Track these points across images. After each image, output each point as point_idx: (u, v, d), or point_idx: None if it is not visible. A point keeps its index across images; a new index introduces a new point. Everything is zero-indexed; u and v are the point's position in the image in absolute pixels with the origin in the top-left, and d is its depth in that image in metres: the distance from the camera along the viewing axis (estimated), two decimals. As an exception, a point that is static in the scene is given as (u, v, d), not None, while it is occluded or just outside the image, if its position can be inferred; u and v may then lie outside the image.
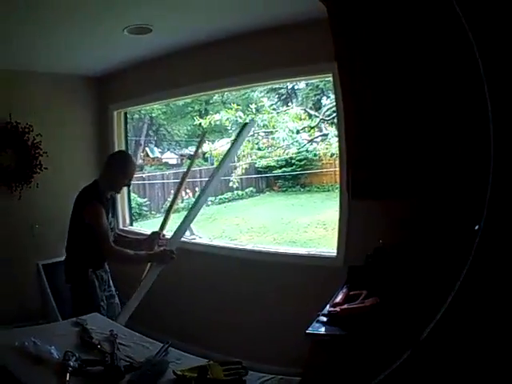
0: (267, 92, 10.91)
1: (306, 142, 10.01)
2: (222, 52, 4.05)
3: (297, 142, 9.59)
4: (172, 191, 9.80)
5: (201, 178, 10.92)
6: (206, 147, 9.58)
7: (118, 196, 4.50)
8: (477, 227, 1.36)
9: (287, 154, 10.75)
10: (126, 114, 5.47)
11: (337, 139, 3.96)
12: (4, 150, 4.60)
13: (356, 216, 3.42)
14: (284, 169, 11.72)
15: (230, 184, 10.28)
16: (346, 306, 2.55)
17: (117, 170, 3.58)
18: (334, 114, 4.98)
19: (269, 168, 11.89)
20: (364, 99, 2.58)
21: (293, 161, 11.39)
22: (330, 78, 3.61)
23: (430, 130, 2.38)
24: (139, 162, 12.92)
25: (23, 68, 4.54)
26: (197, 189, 10.31)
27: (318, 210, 10.25)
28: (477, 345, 1.38)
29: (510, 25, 1.31)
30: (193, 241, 4.54)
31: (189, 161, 6.26)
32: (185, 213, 4.12)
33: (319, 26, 2.73)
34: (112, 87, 5.22)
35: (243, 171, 10.04)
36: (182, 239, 3.98)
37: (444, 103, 2.30)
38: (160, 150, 14.66)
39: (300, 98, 11.31)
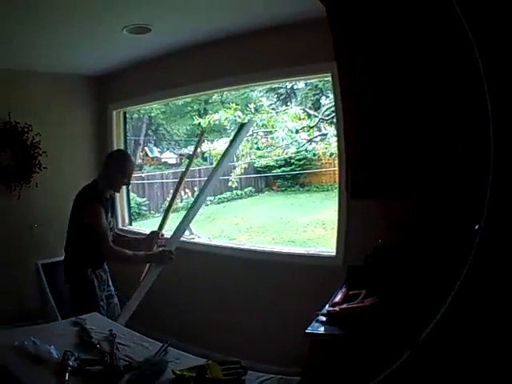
0: (266, 92, 10.92)
1: (305, 141, 10.02)
2: (221, 52, 4.05)
3: (296, 141, 9.61)
4: (171, 191, 9.78)
5: (200, 177, 10.92)
6: (205, 147, 9.58)
7: (118, 195, 4.50)
8: (477, 227, 1.36)
9: (286, 154, 10.75)
10: (125, 113, 5.47)
11: (336, 139, 3.95)
12: (3, 150, 4.60)
13: (355, 216, 3.42)
14: (283, 168, 11.73)
15: (229, 184, 10.27)
16: (345, 306, 2.55)
17: (115, 168, 3.58)
18: (333, 114, 4.97)
19: (268, 168, 11.88)
20: (363, 99, 2.58)
21: (292, 160, 11.39)
22: (330, 78, 3.61)
23: (430, 129, 2.38)
24: (138, 161, 12.92)
25: (23, 68, 4.54)
26: (196, 188, 10.30)
27: (317, 210, 10.25)
28: (477, 345, 1.38)
29: (510, 25, 1.31)
30: (192, 240, 4.55)
31: (188, 160, 6.27)
32: (184, 212, 4.12)
33: (318, 26, 2.73)
34: (111, 87, 5.22)
35: (242, 171, 10.04)
36: (181, 239, 3.97)
37: (444, 103, 2.31)
38: (159, 150, 14.66)
39: (299, 98, 11.31)
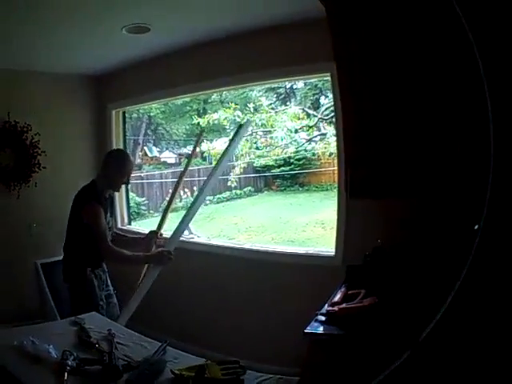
0: (265, 91, 10.90)
1: (305, 141, 9.99)
2: (221, 51, 4.05)
3: (295, 141, 9.58)
4: (170, 190, 9.78)
5: (199, 177, 10.90)
6: (204, 146, 9.57)
7: (117, 195, 4.50)
8: (476, 227, 1.36)
9: (285, 154, 10.72)
10: (124, 113, 5.46)
11: (335, 139, 3.95)
12: (3, 149, 4.60)
13: (354, 215, 3.42)
14: (282, 168, 11.70)
15: (229, 183, 10.25)
16: (344, 306, 2.55)
17: (114, 168, 3.57)
18: (333, 114, 4.96)
19: (267, 167, 11.86)
20: (362, 99, 2.58)
21: (291, 160, 11.36)
22: (329, 78, 3.61)
23: (429, 129, 2.38)
24: (137, 161, 12.90)
25: (22, 68, 4.54)
26: (195, 188, 10.29)
27: (316, 210, 10.24)
28: (477, 345, 1.38)
29: (510, 25, 1.31)
30: (191, 240, 4.54)
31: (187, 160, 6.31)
32: (183, 212, 4.12)
33: (318, 26, 2.73)
34: (110, 86, 5.22)
35: (241, 170, 10.02)
36: (181, 238, 3.97)
37: (444, 103, 2.31)
38: (158, 150, 14.63)
39: (298, 98, 11.29)
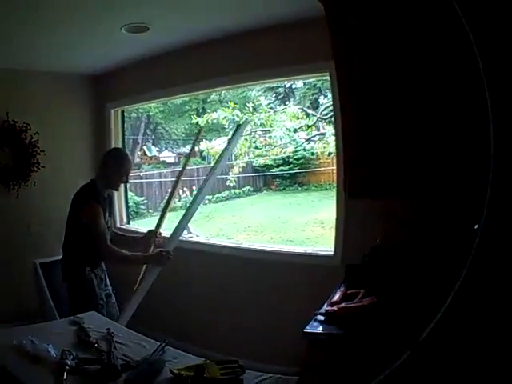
0: (264, 91, 10.91)
1: (304, 140, 9.99)
2: (220, 51, 4.04)
3: (294, 140, 9.57)
4: (169, 190, 9.79)
5: (198, 176, 10.91)
6: (203, 146, 9.57)
7: (116, 194, 4.50)
8: (476, 226, 1.36)
9: (284, 153, 10.71)
10: (123, 112, 5.45)
11: (334, 138, 3.95)
12: (1, 149, 4.60)
13: (353, 215, 3.41)
14: (281, 167, 11.70)
15: (228, 183, 10.25)
16: (343, 305, 2.55)
17: (113, 167, 3.57)
18: (332, 113, 4.97)
19: (266, 167, 11.86)
20: (361, 98, 2.57)
21: (290, 159, 11.36)
22: (328, 77, 3.61)
23: (429, 129, 2.38)
24: (137, 160, 12.90)
25: (22, 67, 4.54)
26: (194, 187, 10.30)
27: (315, 209, 10.24)
28: (476, 345, 1.38)
29: (510, 25, 1.31)
30: (190, 239, 4.54)
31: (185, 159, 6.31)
32: (182, 211, 4.11)
33: (316, 25, 2.72)
34: (109, 86, 5.21)
35: (240, 170, 10.01)
36: (180, 238, 3.97)
37: (443, 103, 2.30)
38: (157, 149, 14.63)
39: (297, 97, 11.31)
